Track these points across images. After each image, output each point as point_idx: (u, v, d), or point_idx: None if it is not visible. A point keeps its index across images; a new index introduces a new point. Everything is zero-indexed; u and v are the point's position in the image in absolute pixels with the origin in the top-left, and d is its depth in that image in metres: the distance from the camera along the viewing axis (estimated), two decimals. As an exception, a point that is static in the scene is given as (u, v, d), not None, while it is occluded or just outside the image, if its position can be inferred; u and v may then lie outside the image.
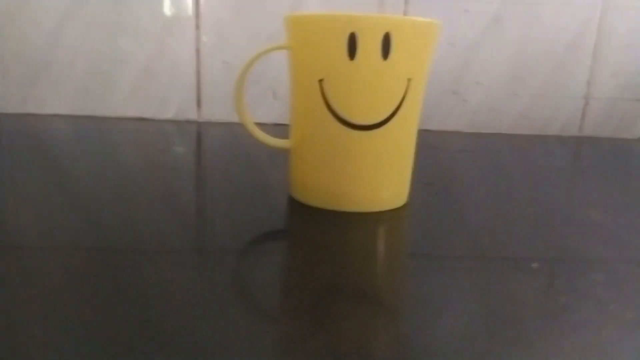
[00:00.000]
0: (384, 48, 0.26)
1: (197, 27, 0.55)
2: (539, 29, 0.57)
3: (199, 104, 0.57)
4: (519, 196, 0.38)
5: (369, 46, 0.26)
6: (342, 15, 0.26)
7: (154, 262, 0.24)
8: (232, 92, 0.30)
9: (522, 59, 0.58)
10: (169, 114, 0.57)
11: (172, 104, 0.57)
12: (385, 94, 0.27)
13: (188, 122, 0.57)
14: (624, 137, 0.62)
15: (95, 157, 0.46)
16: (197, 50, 0.55)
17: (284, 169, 0.32)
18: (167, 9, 0.54)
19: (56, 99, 0.56)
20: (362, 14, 0.25)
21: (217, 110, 0.57)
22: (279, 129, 0.44)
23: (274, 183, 0.36)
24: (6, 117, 0.55)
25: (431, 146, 0.54)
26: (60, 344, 0.18)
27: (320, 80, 0.27)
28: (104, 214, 0.31)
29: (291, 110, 0.30)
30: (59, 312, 0.20)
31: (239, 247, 0.26)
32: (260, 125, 0.57)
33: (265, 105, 0.58)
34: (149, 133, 0.55)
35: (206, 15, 0.55)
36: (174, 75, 0.56)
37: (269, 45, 0.29)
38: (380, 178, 0.29)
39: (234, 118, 0.55)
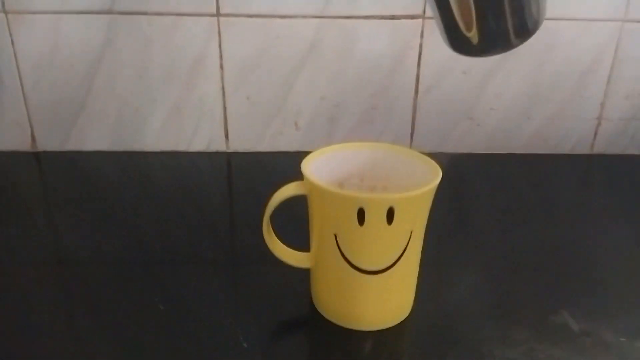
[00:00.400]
0: (389, 217, 0.30)
1: (221, 67, 0.58)
2: (555, 56, 0.58)
3: (227, 136, 0.61)
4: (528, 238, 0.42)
5: (375, 217, 0.30)
6: (352, 194, 0.29)
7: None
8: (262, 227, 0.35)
9: (536, 86, 0.60)
10: (200, 146, 0.61)
11: (202, 137, 0.61)
12: (390, 248, 0.31)
13: (218, 153, 0.62)
14: (634, 153, 0.64)
15: (136, 186, 0.55)
16: (223, 88, 0.59)
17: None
18: (193, 51, 0.57)
19: (95, 137, 0.60)
20: (368, 193, 0.29)
21: (244, 141, 0.61)
22: (302, 156, 0.53)
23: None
24: (53, 154, 0.61)
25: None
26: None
27: (335, 234, 0.31)
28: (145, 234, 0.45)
29: (310, 233, 0.35)
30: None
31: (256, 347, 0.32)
32: (284, 153, 0.61)
33: (288, 135, 0.61)
34: (182, 164, 0.60)
35: (229, 56, 0.57)
36: (202, 112, 0.60)
37: (289, 190, 0.33)
38: (387, 307, 0.34)
39: (260, 147, 0.60)
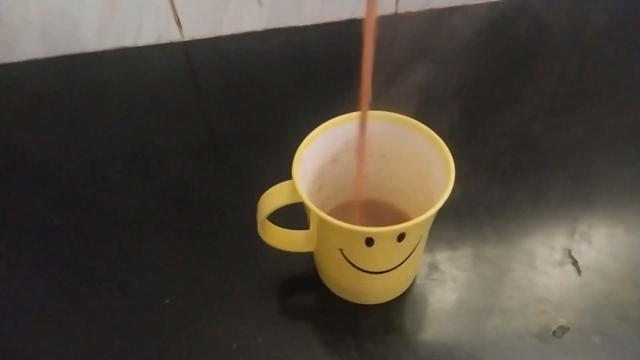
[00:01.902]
0: (399, 239, 0.27)
1: (155, -55, 0.45)
2: None
3: (179, 23, 0.52)
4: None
5: (384, 241, 0.27)
6: (360, 229, 0.26)
7: None
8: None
9: None
10: (149, 39, 0.52)
11: (149, 29, 0.51)
12: (398, 256, 0.30)
13: (172, 43, 0.53)
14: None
15: (87, 90, 0.50)
16: (163, -29, 0.47)
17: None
18: None
19: (24, 47, 0.50)
20: (377, 228, 0.26)
21: (200, 27, 0.52)
22: (269, 35, 0.53)
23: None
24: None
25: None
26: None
27: (341, 249, 0.29)
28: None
29: (309, 221, 0.32)
30: None
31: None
32: (249, 34, 0.54)
33: (252, 13, 0.52)
34: (132, 60, 0.52)
35: None
36: (141, 2, 0.49)
37: (285, 197, 0.29)
38: (391, 292, 0.34)
39: (220, 31, 0.52)
